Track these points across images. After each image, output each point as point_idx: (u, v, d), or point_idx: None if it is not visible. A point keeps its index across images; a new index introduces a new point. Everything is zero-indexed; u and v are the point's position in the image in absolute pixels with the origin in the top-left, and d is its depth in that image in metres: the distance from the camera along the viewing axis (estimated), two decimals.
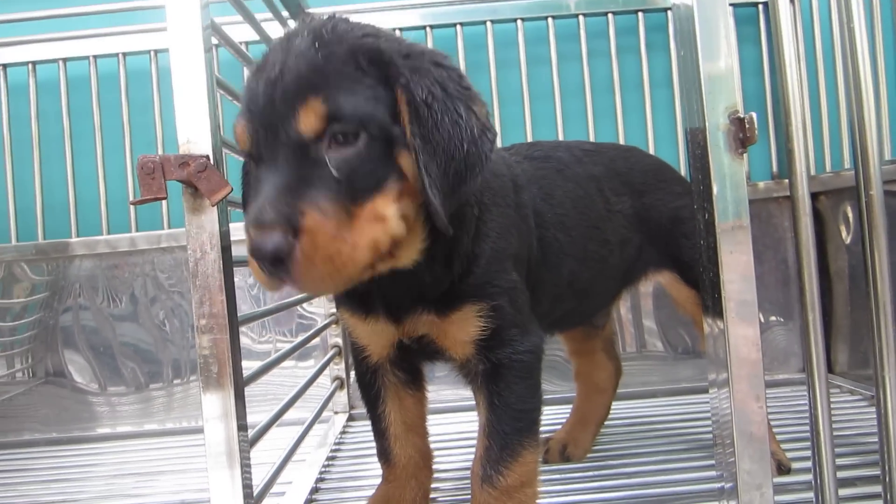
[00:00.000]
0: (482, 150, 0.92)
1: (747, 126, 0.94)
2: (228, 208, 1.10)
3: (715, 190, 0.95)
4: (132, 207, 2.11)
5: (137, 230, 2.12)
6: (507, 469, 1.09)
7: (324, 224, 0.82)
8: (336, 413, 2.09)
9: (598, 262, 1.37)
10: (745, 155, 0.95)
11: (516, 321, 1.12)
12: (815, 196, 2.15)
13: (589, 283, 1.37)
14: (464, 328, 1.10)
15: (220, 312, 0.96)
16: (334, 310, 2.03)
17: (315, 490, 1.45)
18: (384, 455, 1.25)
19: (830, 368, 2.14)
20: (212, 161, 0.94)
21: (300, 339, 1.63)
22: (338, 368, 2.10)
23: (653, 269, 1.47)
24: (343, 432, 1.92)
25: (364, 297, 1.12)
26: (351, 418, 2.07)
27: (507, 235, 1.14)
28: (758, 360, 0.96)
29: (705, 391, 2.05)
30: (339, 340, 2.09)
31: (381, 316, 1.13)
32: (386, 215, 0.88)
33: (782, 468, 1.33)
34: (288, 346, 1.49)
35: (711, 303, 0.98)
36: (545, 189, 1.31)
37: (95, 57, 2.15)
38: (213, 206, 0.92)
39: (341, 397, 2.09)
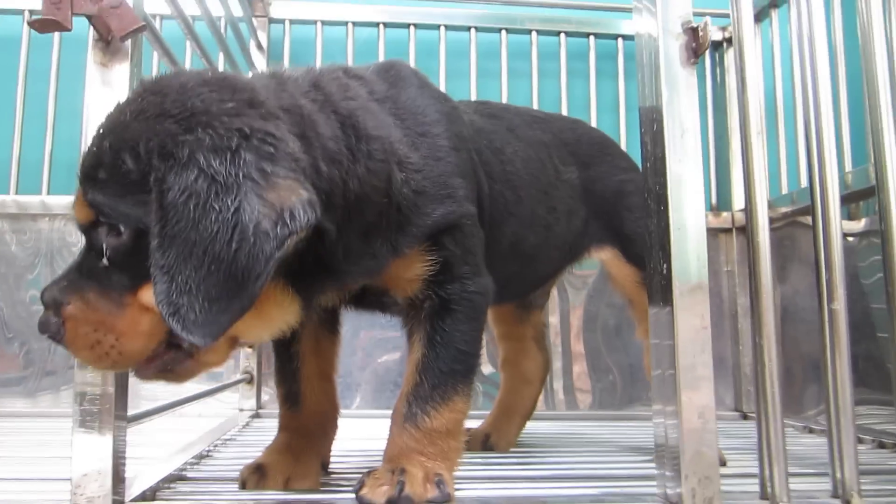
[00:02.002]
0: (260, 248, 0.75)
1: (700, 34, 0.91)
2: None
3: (665, 96, 0.91)
4: (45, 169, 1.98)
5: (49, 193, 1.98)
6: (435, 411, 0.99)
7: (82, 313, 0.81)
8: (241, 411, 1.92)
9: (545, 229, 1.31)
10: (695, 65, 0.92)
11: (467, 259, 1.05)
12: None
13: (534, 249, 1.30)
14: (410, 265, 1.01)
15: None
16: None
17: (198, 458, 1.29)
18: (292, 399, 1.13)
19: None
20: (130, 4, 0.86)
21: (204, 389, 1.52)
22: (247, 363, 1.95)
23: (595, 245, 1.43)
24: (245, 426, 1.75)
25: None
26: (257, 416, 1.91)
27: (446, 187, 1.05)
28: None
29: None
30: None
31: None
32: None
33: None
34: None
35: (658, 242, 0.92)
36: (495, 143, 1.25)
37: None
38: (122, 41, 0.83)
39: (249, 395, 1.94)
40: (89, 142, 0.84)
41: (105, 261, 0.81)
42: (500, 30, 2.19)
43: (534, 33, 2.20)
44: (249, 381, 1.92)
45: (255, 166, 0.77)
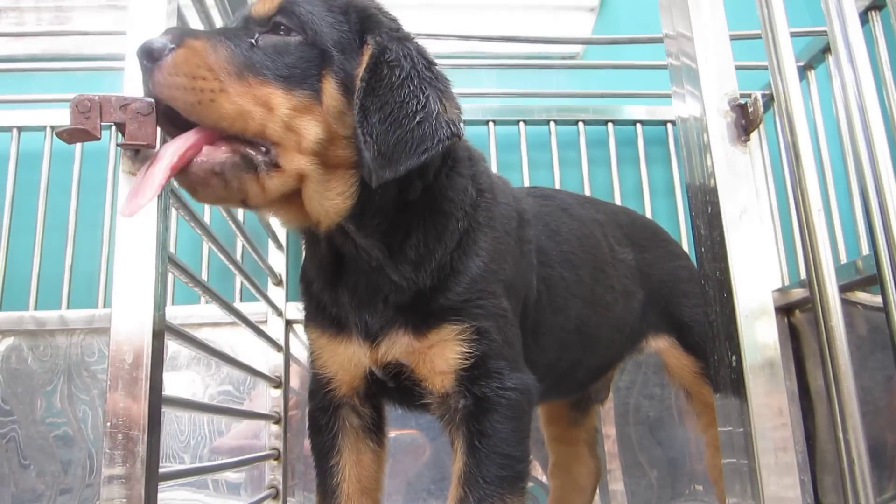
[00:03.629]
0: (436, 132, 0.89)
1: (750, 111, 0.87)
2: (175, 210, 0.98)
3: (718, 176, 0.86)
4: (66, 282, 1.94)
5: (69, 307, 1.93)
6: None
7: (206, 52, 0.84)
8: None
9: (605, 309, 1.26)
10: (748, 143, 0.88)
11: (504, 353, 0.98)
12: (789, 310, 2.08)
13: (596, 330, 1.25)
14: (443, 354, 0.96)
15: (145, 304, 0.82)
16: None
17: None
18: None
19: (818, 501, 1.96)
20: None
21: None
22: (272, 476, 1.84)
23: (653, 332, 1.38)
24: None
25: (333, 301, 1.01)
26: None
27: (501, 260, 1.03)
28: None
29: None
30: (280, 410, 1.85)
31: (354, 335, 1.00)
32: (274, 107, 0.86)
33: None
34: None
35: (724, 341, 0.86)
36: (550, 226, 1.23)
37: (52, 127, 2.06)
38: (119, 146, 0.82)
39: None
40: None
41: (256, 42, 0.88)
42: (517, 122, 2.19)
43: (552, 123, 2.19)
44: (275, 497, 1.81)
45: (440, 80, 0.94)
